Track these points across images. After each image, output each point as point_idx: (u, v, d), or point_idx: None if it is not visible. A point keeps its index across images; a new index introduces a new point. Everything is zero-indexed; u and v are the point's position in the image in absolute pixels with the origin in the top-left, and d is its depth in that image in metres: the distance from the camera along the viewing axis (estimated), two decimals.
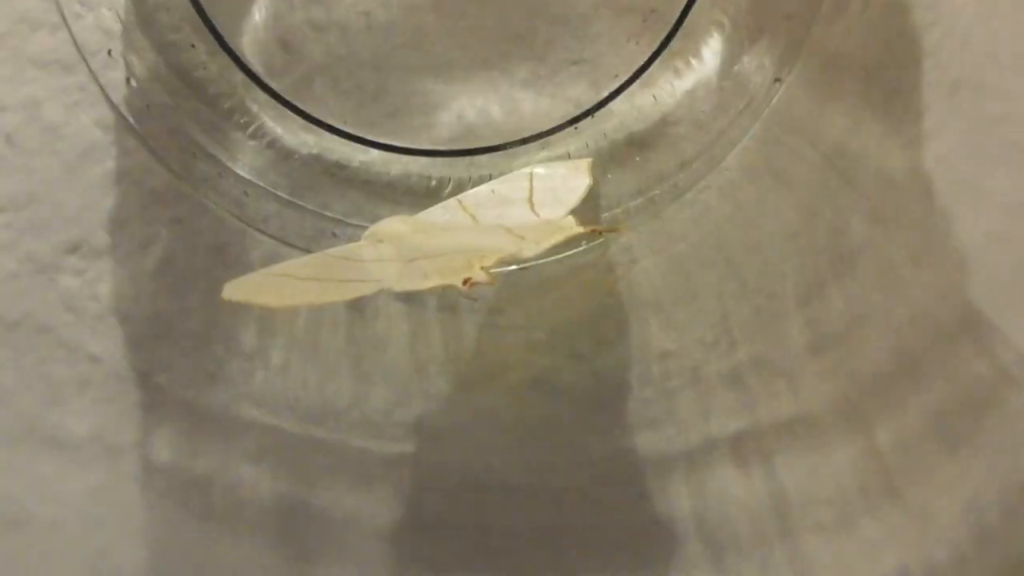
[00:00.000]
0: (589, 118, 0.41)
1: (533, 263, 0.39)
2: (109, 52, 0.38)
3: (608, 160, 0.41)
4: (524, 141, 0.41)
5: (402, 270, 0.35)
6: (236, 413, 0.40)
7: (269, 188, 0.41)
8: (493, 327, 0.41)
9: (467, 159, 0.42)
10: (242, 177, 0.41)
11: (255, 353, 0.40)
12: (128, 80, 0.39)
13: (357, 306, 0.41)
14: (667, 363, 0.40)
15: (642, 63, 0.41)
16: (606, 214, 0.41)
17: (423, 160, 0.42)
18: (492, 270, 0.32)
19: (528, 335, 0.41)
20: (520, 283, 0.41)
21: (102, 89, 0.39)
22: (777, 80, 0.40)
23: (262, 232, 0.40)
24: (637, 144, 0.41)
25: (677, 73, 0.41)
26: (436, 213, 0.39)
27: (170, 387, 0.40)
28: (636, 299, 0.40)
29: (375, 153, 0.42)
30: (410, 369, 0.41)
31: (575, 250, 0.40)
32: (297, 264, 0.36)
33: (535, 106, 0.41)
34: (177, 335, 0.40)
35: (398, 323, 0.41)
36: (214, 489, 0.40)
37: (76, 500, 0.40)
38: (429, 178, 0.42)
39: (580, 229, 0.35)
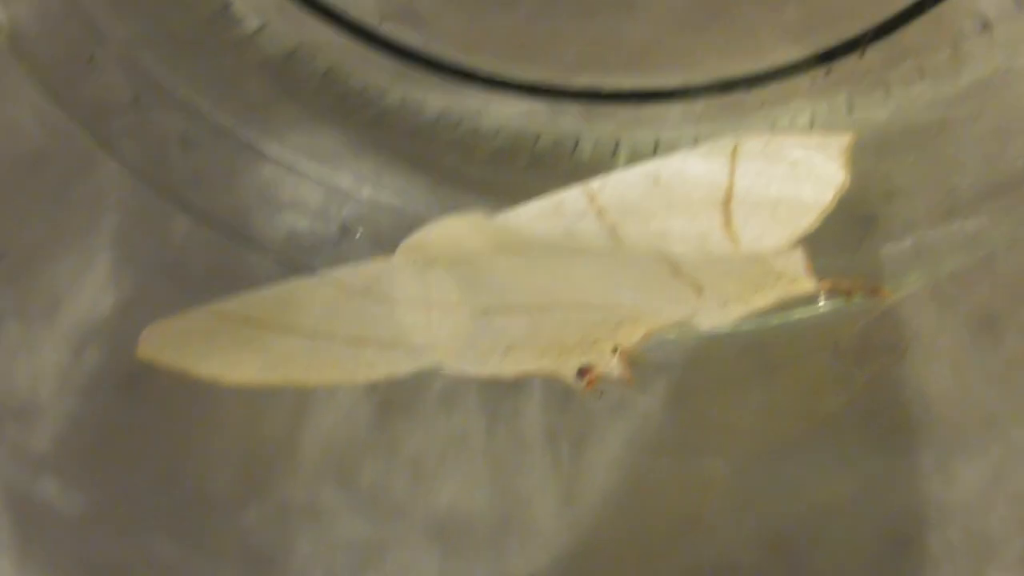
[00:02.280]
0: (856, 56, 0.41)
1: (717, 334, 0.38)
2: None
3: (887, 143, 0.41)
4: (723, 87, 0.41)
5: (468, 331, 0.35)
6: None
7: (244, 138, 0.42)
8: (647, 454, 0.42)
9: (612, 109, 0.42)
10: (194, 109, 0.42)
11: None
12: None
13: (383, 396, 0.44)
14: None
15: None
16: (870, 252, 0.40)
17: (532, 105, 0.43)
18: (639, 350, 0.32)
19: (701, 470, 0.42)
20: (693, 365, 0.42)
21: None
22: None
23: (218, 227, 0.41)
24: (946, 115, 0.41)
25: None
26: (542, 213, 0.38)
27: None
28: (921, 417, 0.41)
29: (460, 91, 0.43)
30: (479, 535, 0.43)
31: (801, 315, 0.39)
32: (270, 300, 0.36)
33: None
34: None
35: (462, 439, 0.43)
36: None
37: None
38: (537, 136, 0.42)
39: (815, 285, 0.34)
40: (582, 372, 0.32)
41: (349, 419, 0.44)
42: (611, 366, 0.32)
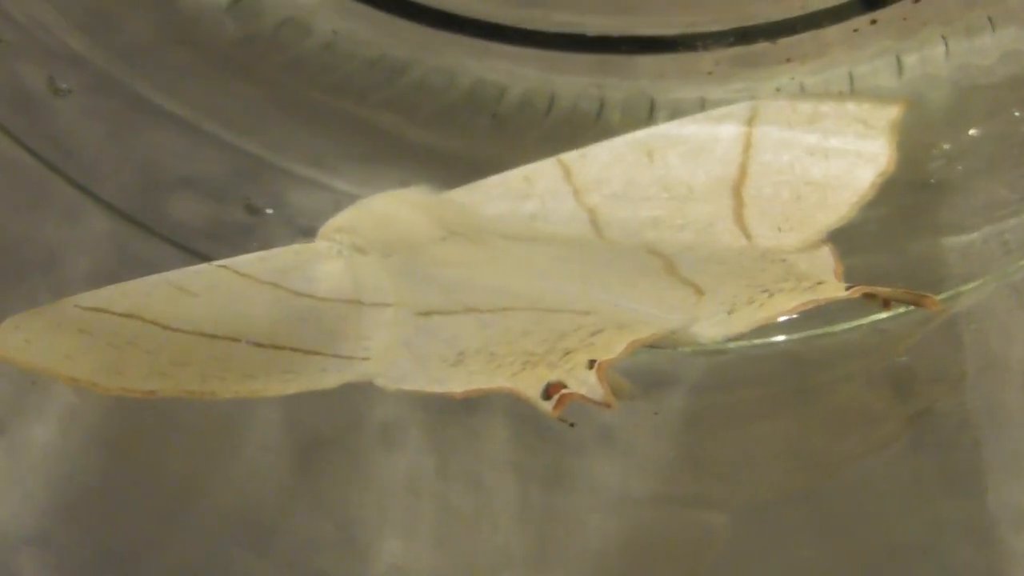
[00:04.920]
0: (908, 2, 0.42)
1: (724, 349, 0.40)
2: None
3: (946, 112, 0.42)
4: (741, 35, 0.42)
5: (408, 336, 0.35)
6: None
7: (128, 89, 0.43)
8: (637, 502, 0.43)
9: (598, 59, 0.43)
10: (66, 50, 0.43)
11: None
12: None
13: (307, 430, 0.44)
14: None
15: None
16: (930, 248, 0.41)
17: (495, 50, 0.43)
18: (616, 366, 0.32)
19: (706, 522, 0.42)
20: (696, 389, 0.42)
21: None
22: None
23: (107, 203, 0.42)
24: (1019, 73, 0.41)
25: None
26: (505, 190, 0.39)
27: None
28: (991, 450, 0.41)
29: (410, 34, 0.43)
30: None
31: (828, 331, 0.40)
32: (157, 291, 0.36)
33: None
34: None
35: (405, 483, 0.44)
36: None
37: None
38: (500, 92, 0.43)
39: (846, 292, 0.34)
40: (550, 391, 0.31)
41: (264, 460, 0.44)
42: (587, 384, 0.31)
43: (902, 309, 0.37)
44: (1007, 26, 0.42)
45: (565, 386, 0.31)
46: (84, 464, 0.44)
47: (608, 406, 0.31)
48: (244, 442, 0.44)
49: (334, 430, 0.44)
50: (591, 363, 0.32)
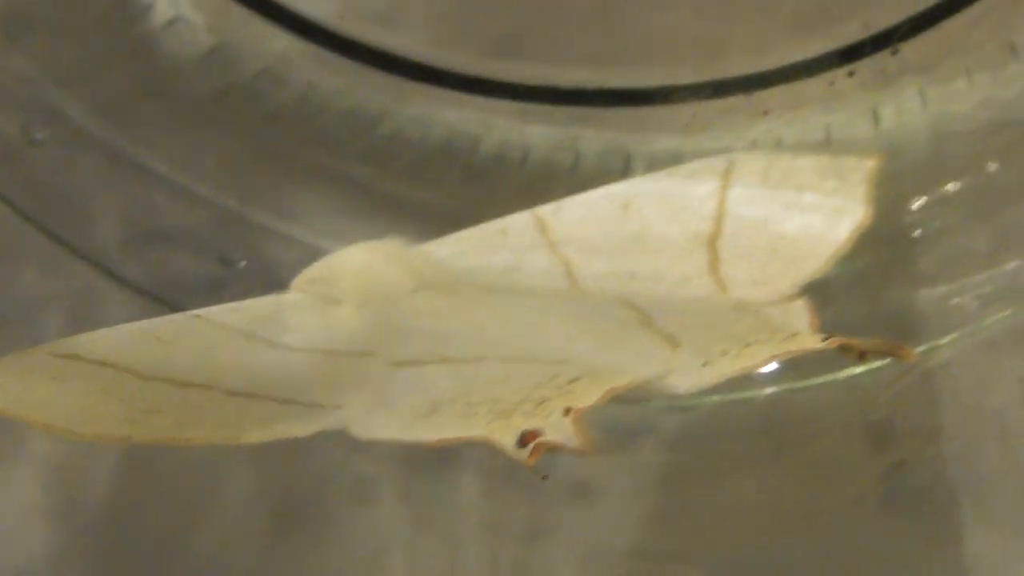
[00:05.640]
0: (886, 54, 0.42)
1: (698, 404, 0.40)
2: None
3: (923, 165, 0.42)
4: (716, 89, 0.42)
5: (382, 387, 0.35)
6: None
7: (102, 141, 0.43)
8: (612, 556, 0.42)
9: (572, 112, 0.43)
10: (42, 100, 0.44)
11: None
12: None
13: (279, 500, 0.44)
14: None
15: None
16: (906, 300, 0.41)
17: (468, 102, 0.44)
18: (587, 417, 0.31)
19: None
20: (671, 444, 0.42)
21: None
22: None
23: (83, 255, 0.42)
24: (998, 132, 0.42)
25: None
26: (479, 243, 0.39)
27: None
28: (971, 501, 0.41)
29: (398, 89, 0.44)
30: None
31: (805, 384, 0.40)
32: (132, 338, 0.36)
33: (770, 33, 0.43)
34: None
35: (379, 532, 0.43)
36: None
37: None
38: (474, 144, 0.43)
39: (821, 343, 0.34)
40: (526, 439, 0.31)
41: (234, 534, 0.44)
42: (562, 431, 0.31)
43: (878, 362, 0.36)
44: (983, 73, 0.43)
45: (541, 434, 0.31)
46: (64, 513, 0.44)
47: (584, 453, 0.31)
48: (220, 496, 0.44)
49: (308, 484, 0.44)
50: (567, 410, 0.31)
